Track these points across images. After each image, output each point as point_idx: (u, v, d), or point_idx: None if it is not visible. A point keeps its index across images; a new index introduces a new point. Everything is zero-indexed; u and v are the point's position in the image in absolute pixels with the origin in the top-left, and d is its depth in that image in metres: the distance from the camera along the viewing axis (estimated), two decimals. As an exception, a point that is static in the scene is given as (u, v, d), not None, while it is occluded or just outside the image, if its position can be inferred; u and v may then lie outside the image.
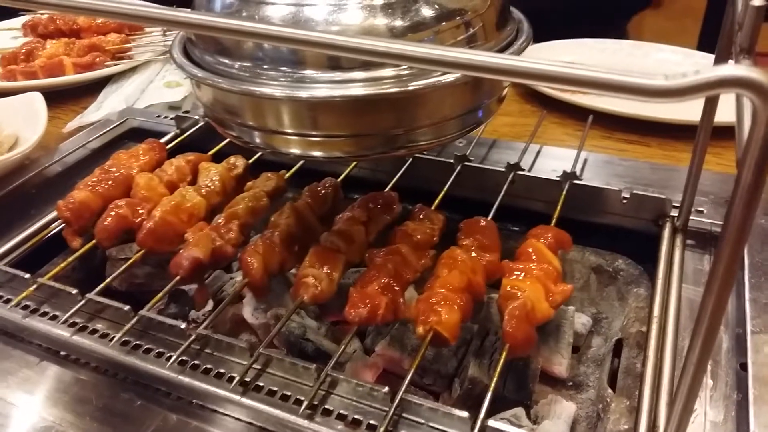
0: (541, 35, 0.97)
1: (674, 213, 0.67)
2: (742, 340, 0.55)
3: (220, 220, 0.67)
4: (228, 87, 0.45)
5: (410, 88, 0.44)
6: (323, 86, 0.44)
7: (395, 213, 0.69)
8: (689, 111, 0.90)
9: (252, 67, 0.45)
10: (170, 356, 0.52)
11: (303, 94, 0.43)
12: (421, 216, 0.67)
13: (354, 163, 0.79)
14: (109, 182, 0.73)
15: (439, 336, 0.51)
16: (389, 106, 0.46)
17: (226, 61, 0.46)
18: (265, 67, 0.44)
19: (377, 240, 0.66)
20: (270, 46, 0.43)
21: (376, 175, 0.81)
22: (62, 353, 0.58)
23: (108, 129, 0.95)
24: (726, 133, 0.87)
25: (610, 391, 0.57)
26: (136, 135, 0.96)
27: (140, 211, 0.69)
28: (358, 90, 0.43)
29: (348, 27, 0.42)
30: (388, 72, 0.44)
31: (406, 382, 0.48)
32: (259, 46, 0.44)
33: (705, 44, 1.31)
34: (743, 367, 0.53)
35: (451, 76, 0.45)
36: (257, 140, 0.49)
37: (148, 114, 1.00)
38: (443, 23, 0.44)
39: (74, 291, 0.59)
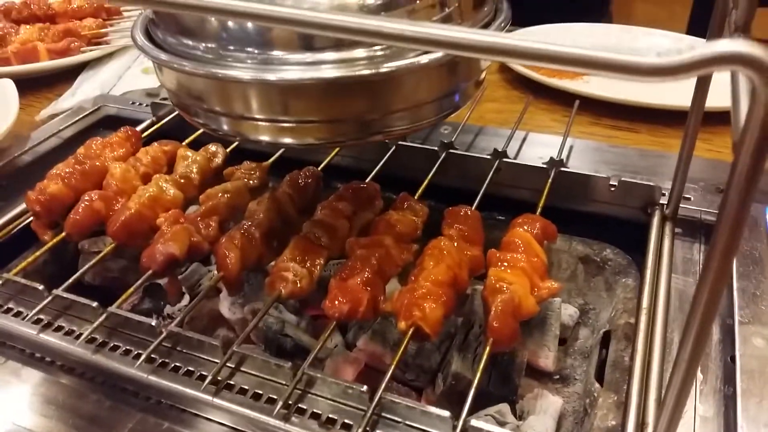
0: (522, 20, 0.95)
1: (663, 201, 0.66)
2: (731, 331, 0.53)
3: (198, 213, 0.64)
4: (192, 70, 0.42)
5: (383, 69, 0.41)
6: (293, 68, 0.41)
7: (377, 208, 0.66)
8: (679, 96, 0.89)
9: (217, 48, 0.42)
10: (139, 354, 0.50)
11: (271, 76, 0.41)
12: (404, 206, 0.64)
13: (335, 151, 0.77)
14: (82, 172, 0.70)
15: (420, 331, 0.49)
16: (363, 89, 0.44)
17: (190, 42, 0.43)
18: (231, 48, 0.42)
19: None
20: (236, 25, 0.40)
21: (359, 164, 0.79)
22: (28, 352, 0.55)
23: (81, 117, 0.92)
24: (717, 118, 0.86)
25: (597, 385, 0.56)
26: (111, 123, 0.93)
27: (113, 204, 0.66)
28: (329, 72, 0.41)
29: (318, 3, 0.40)
30: (360, 53, 0.41)
31: (386, 379, 0.46)
32: (224, 25, 0.41)
33: (695, 30, 1.29)
34: (733, 359, 0.51)
35: (425, 58, 0.42)
36: (225, 127, 0.47)
37: (124, 101, 0.97)
38: (418, 1, 0.42)
39: (41, 287, 0.57)
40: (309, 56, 0.42)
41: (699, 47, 0.22)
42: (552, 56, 0.24)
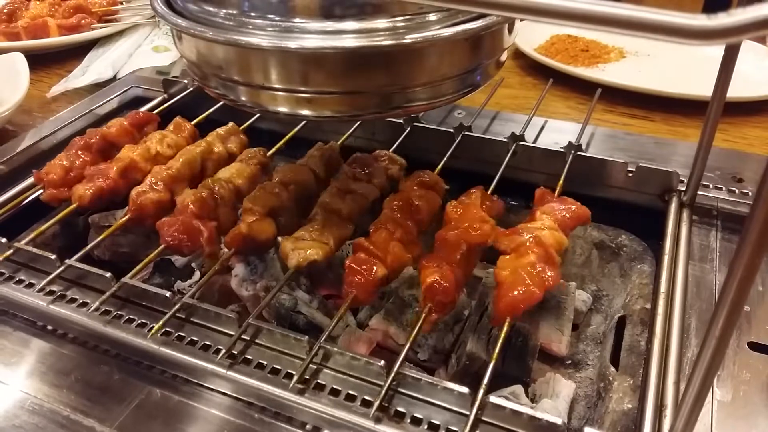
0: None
1: (681, 188, 0.65)
2: (749, 317, 0.53)
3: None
4: (211, 37, 0.42)
5: (406, 41, 0.41)
6: (313, 36, 0.40)
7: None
8: (695, 85, 0.88)
9: (238, 15, 0.42)
10: (153, 327, 0.49)
11: (291, 44, 0.40)
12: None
13: (349, 132, 0.76)
14: (96, 150, 0.70)
15: (438, 292, 0.49)
16: (384, 61, 0.43)
17: (210, 8, 0.43)
18: (252, 15, 0.41)
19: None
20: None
21: (372, 144, 0.78)
22: (39, 323, 0.55)
23: (112, 97, 0.91)
24: (732, 109, 0.86)
25: (612, 369, 0.55)
26: (138, 104, 0.91)
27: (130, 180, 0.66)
28: (350, 41, 0.40)
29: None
30: (383, 23, 0.41)
31: (403, 355, 0.45)
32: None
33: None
34: (751, 345, 0.51)
35: (449, 30, 0.42)
36: (243, 98, 0.46)
37: (153, 82, 0.96)
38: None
39: (53, 256, 0.56)
40: (330, 25, 0.41)
41: (752, 8, 0.21)
42: (596, 17, 0.23)
